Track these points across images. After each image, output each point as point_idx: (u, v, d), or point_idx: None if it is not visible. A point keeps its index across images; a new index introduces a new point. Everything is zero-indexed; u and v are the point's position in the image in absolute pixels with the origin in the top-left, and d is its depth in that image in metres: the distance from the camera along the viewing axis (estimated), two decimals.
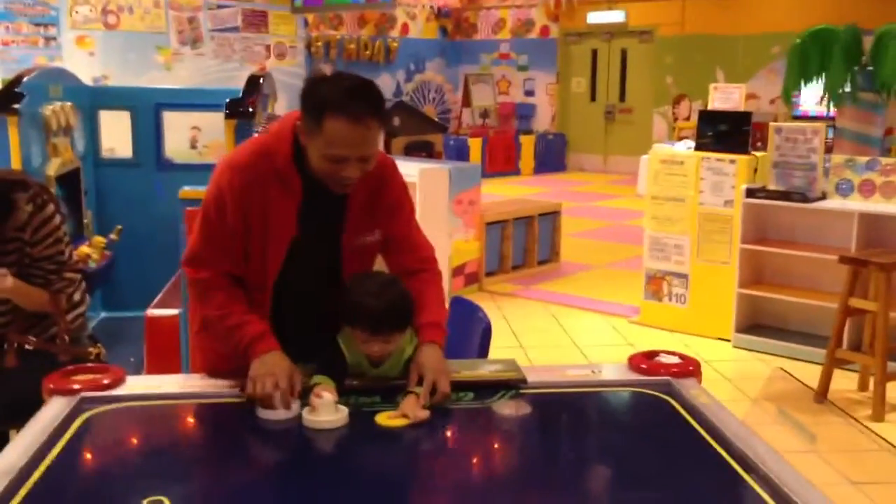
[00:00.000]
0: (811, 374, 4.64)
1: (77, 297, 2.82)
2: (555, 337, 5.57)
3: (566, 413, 2.09)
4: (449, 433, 1.98)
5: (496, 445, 1.95)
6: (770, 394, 4.58)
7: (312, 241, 2.08)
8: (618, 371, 2.20)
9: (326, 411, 1.85)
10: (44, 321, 2.77)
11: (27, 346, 2.72)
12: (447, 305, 2.89)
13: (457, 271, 6.46)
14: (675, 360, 2.21)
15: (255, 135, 3.68)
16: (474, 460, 1.87)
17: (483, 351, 2.55)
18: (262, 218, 2.03)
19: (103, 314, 4.66)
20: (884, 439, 3.97)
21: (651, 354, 2.23)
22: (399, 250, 2.22)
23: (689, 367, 2.15)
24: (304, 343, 2.06)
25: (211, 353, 2.21)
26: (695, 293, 5.53)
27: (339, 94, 1.92)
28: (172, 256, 3.45)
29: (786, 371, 4.89)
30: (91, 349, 2.86)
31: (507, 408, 2.00)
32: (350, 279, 2.09)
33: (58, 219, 2.73)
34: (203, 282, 2.08)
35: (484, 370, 2.16)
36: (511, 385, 2.08)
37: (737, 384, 4.68)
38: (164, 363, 3.32)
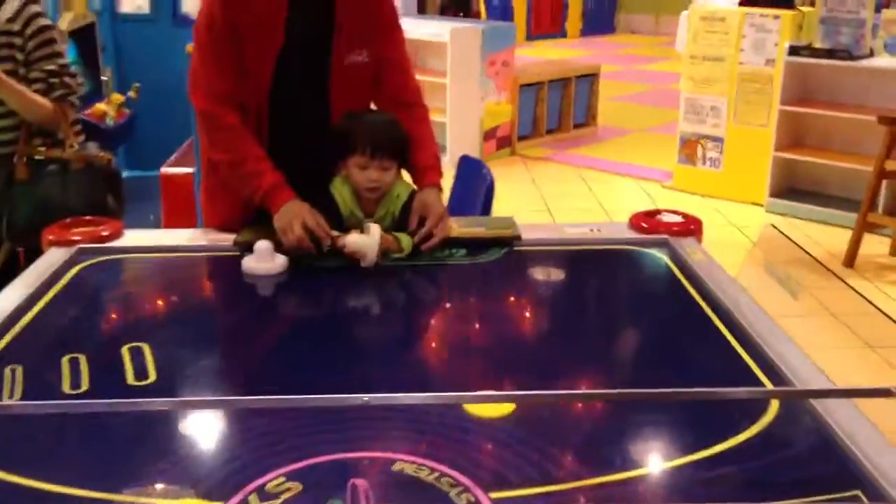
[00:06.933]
0: (844, 240, 4.54)
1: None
2: (585, 202, 5.50)
3: (558, 270, 2.07)
4: (437, 288, 1.98)
5: (483, 301, 1.93)
6: (798, 258, 4.50)
7: (300, 54, 2.02)
8: (617, 230, 2.18)
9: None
10: (51, 136, 2.65)
11: (36, 157, 2.60)
12: (456, 166, 2.86)
13: (488, 135, 6.34)
14: (677, 218, 2.18)
15: None
16: (459, 315, 1.87)
17: (486, 209, 2.52)
18: (249, 30, 1.98)
19: (125, 173, 4.69)
20: None
21: (653, 213, 2.21)
22: (393, 74, 2.13)
23: (690, 226, 2.12)
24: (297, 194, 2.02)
25: (220, 204, 2.18)
26: (730, 157, 5.37)
27: None
28: (192, 114, 3.42)
29: (815, 236, 4.79)
30: (101, 154, 2.72)
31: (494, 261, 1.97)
32: (343, 117, 2.04)
33: (48, 20, 2.58)
34: (210, 116, 2.03)
35: (479, 228, 2.13)
36: (505, 242, 2.05)
37: (766, 249, 4.60)
38: (180, 220, 3.36)
